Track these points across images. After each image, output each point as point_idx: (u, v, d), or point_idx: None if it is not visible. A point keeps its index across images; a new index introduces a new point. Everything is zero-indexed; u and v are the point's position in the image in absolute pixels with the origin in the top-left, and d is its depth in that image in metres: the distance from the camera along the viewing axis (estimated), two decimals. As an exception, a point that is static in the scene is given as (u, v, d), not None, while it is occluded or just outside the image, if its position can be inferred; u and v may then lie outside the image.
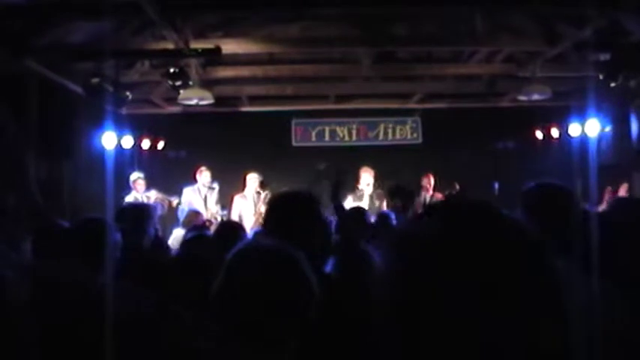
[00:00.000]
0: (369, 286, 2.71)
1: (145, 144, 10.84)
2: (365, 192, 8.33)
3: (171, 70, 7.36)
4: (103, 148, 8.95)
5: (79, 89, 7.82)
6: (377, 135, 11.66)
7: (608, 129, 10.12)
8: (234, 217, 8.47)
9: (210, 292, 1.66)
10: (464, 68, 9.25)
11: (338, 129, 11.62)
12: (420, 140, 11.58)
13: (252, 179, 8.95)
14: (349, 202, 8.17)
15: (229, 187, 9.20)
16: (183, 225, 6.34)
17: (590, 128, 9.52)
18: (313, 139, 11.55)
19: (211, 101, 8.44)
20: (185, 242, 3.85)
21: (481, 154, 10.90)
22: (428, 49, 9.29)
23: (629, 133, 9.68)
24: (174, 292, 2.65)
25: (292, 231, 2.32)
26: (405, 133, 11.66)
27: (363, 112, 11.45)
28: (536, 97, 8.64)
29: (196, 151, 10.60)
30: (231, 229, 4.24)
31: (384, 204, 8.00)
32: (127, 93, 7.90)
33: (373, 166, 8.63)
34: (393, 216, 5.50)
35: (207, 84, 8.79)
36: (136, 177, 9.04)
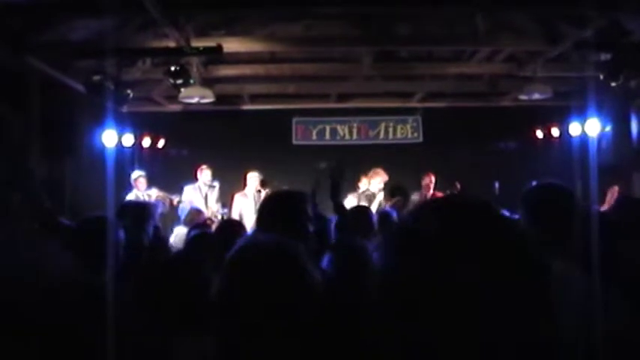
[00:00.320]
0: (365, 283, 2.73)
1: (146, 142, 10.85)
2: (377, 195, 8.23)
3: (173, 69, 7.36)
4: (103, 146, 8.96)
5: (80, 87, 7.83)
6: (378, 134, 11.66)
7: (608, 129, 10.12)
8: (235, 216, 8.48)
9: (208, 290, 1.66)
10: (465, 67, 9.25)
11: (339, 128, 11.63)
12: (420, 139, 11.57)
13: (253, 178, 8.96)
14: (350, 201, 8.18)
15: (230, 186, 9.20)
16: (185, 223, 6.36)
17: (590, 128, 9.53)
18: (314, 137, 11.56)
19: (212, 99, 8.45)
20: (189, 240, 3.87)
21: (482, 153, 10.91)
22: (429, 48, 9.30)
23: (630, 132, 9.68)
24: (174, 291, 2.66)
25: (280, 227, 2.38)
26: (406, 132, 11.66)
27: (364, 111, 11.45)
28: (536, 96, 8.64)
29: (197, 149, 10.61)
30: (231, 227, 4.25)
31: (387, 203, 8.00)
32: (129, 91, 7.90)
33: (373, 167, 8.60)
34: (394, 214, 5.51)
35: (208, 82, 8.80)
36: (137, 175, 9.06)
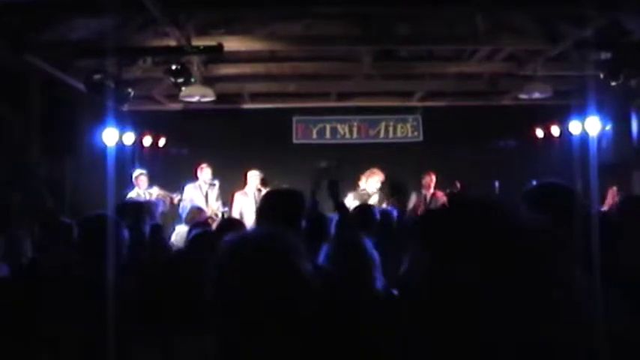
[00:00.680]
0: (364, 278, 2.74)
1: (147, 141, 10.86)
2: (376, 195, 8.20)
3: (173, 67, 7.36)
4: (104, 145, 8.97)
5: (81, 86, 7.83)
6: (378, 133, 11.67)
7: (608, 128, 10.13)
8: (235, 215, 8.49)
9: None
10: (465, 67, 9.25)
11: (339, 127, 11.63)
12: (420, 138, 11.57)
13: (253, 176, 8.97)
14: (350, 201, 8.18)
15: (230, 185, 9.21)
16: (186, 222, 6.36)
17: (590, 127, 9.54)
18: (314, 136, 11.56)
19: (213, 98, 8.45)
20: (191, 239, 3.87)
21: (482, 152, 10.91)
22: (429, 47, 9.30)
23: (630, 131, 9.69)
24: (175, 289, 2.67)
25: (279, 224, 2.43)
26: (406, 131, 11.66)
27: (364, 109, 11.45)
28: (537, 95, 8.64)
29: (198, 148, 10.62)
30: (232, 226, 4.26)
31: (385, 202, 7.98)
32: (129, 90, 7.89)
33: (378, 166, 8.59)
34: (394, 213, 5.51)
35: (209, 81, 8.80)
36: (139, 173, 9.07)
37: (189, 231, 4.62)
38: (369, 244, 2.87)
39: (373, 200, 7.89)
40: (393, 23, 8.32)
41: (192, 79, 7.70)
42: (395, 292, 2.84)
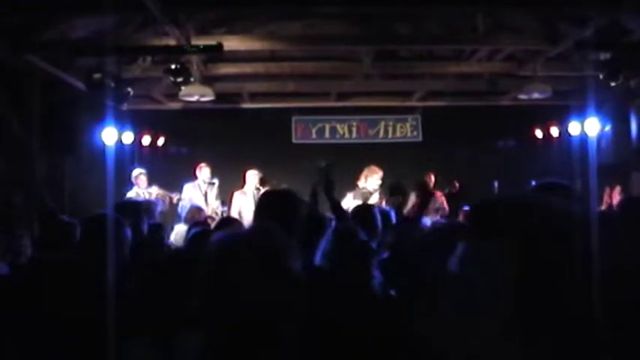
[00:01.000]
0: (364, 275, 2.74)
1: (146, 140, 10.86)
2: (377, 194, 8.16)
3: (173, 66, 7.36)
4: (103, 144, 8.97)
5: (80, 85, 7.82)
6: (377, 133, 11.67)
7: (608, 128, 10.14)
8: (234, 214, 8.49)
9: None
10: (465, 66, 9.25)
11: (338, 126, 11.63)
12: (420, 138, 11.58)
13: (252, 176, 8.98)
14: (350, 200, 8.17)
15: (229, 184, 9.22)
16: (186, 221, 6.36)
17: (590, 127, 9.54)
18: (313, 136, 11.56)
19: (212, 98, 8.46)
20: (190, 238, 3.87)
21: (481, 152, 10.92)
22: (429, 47, 9.30)
23: (629, 132, 9.70)
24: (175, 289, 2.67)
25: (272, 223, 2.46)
26: (406, 130, 11.67)
27: (364, 109, 11.45)
28: (536, 95, 8.64)
29: (197, 147, 10.63)
30: (228, 225, 4.26)
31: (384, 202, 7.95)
32: (129, 89, 7.89)
33: (376, 164, 8.58)
34: (392, 213, 5.49)
35: (208, 80, 8.80)
36: (138, 173, 9.07)
37: (189, 230, 4.62)
38: (366, 241, 2.87)
39: (375, 199, 7.85)
40: (393, 23, 8.32)
41: (192, 79, 7.69)
42: (393, 292, 2.84)
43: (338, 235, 2.83)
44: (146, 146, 10.88)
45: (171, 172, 9.88)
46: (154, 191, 8.81)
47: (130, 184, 8.95)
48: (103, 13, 6.09)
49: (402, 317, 2.37)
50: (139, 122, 10.63)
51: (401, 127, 11.67)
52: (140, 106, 10.28)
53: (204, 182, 8.98)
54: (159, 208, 7.17)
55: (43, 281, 2.84)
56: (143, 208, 5.00)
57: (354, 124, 11.65)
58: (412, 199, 8.96)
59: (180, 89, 7.85)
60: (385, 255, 3.58)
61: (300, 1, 6.71)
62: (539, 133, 11.11)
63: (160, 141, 11.04)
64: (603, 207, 6.77)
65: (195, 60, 7.93)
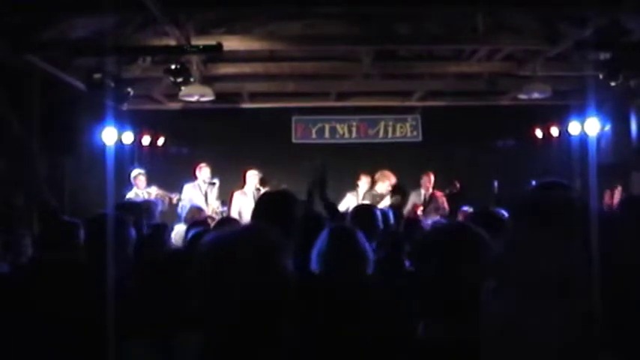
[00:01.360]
0: (361, 273, 2.74)
1: (146, 140, 10.85)
2: (387, 198, 8.10)
3: (173, 67, 7.36)
4: (103, 144, 8.97)
5: (80, 85, 7.83)
6: (377, 132, 11.67)
7: (607, 128, 10.14)
8: (234, 214, 8.49)
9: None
10: (464, 66, 9.25)
11: (338, 126, 11.63)
12: (420, 138, 11.58)
13: (252, 176, 8.98)
14: (349, 200, 8.18)
15: (229, 184, 9.21)
16: (186, 221, 6.36)
17: (589, 127, 9.55)
18: (313, 136, 11.56)
19: (212, 98, 8.46)
20: (191, 238, 3.87)
21: (481, 152, 10.92)
22: (429, 47, 9.30)
23: (629, 132, 9.70)
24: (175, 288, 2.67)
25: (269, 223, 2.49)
26: (405, 130, 11.67)
27: (364, 109, 11.46)
28: (536, 95, 8.64)
29: (197, 147, 10.63)
30: (228, 225, 4.26)
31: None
32: (129, 89, 7.89)
33: (372, 166, 8.57)
34: (390, 214, 5.49)
35: (208, 80, 8.81)
36: (137, 173, 9.07)
37: (188, 230, 4.62)
38: (360, 239, 2.86)
39: (384, 204, 7.74)
40: (393, 23, 8.32)
41: (192, 79, 7.69)
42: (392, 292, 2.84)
43: (332, 235, 2.83)
44: (146, 146, 10.88)
45: (171, 173, 9.88)
46: (153, 191, 8.80)
47: (129, 185, 8.95)
48: (103, 13, 6.09)
49: (401, 317, 2.37)
50: (139, 122, 10.63)
51: (401, 127, 11.67)
52: (140, 106, 10.28)
53: (205, 182, 8.97)
54: (158, 209, 7.17)
55: (44, 281, 2.84)
56: (143, 208, 5.00)
57: (354, 124, 11.65)
58: (412, 199, 9.00)
59: (180, 89, 7.85)
60: (384, 255, 3.59)
61: (300, 1, 6.71)
62: (539, 133, 11.11)
63: (160, 141, 11.04)
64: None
65: (195, 60, 7.93)
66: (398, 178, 8.37)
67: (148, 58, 8.77)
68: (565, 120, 10.54)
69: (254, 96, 10.93)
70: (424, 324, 1.79)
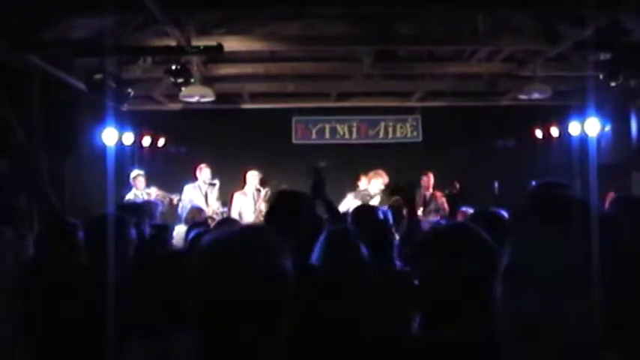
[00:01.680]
0: (360, 274, 2.74)
1: (146, 141, 10.86)
2: (377, 197, 8.10)
3: (173, 67, 7.36)
4: (104, 145, 8.97)
5: (81, 85, 7.83)
6: (377, 133, 11.68)
7: (607, 128, 10.14)
8: (234, 215, 8.50)
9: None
10: (465, 67, 9.26)
11: (338, 127, 11.64)
12: (420, 138, 11.58)
13: (253, 176, 8.98)
14: (349, 201, 8.17)
15: (229, 185, 9.22)
16: (186, 222, 6.36)
17: (590, 127, 9.55)
18: (314, 136, 11.57)
19: (212, 98, 8.46)
20: (191, 239, 3.88)
21: (481, 152, 10.93)
22: (429, 47, 9.30)
23: (629, 132, 9.70)
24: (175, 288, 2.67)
25: (283, 223, 2.59)
26: (406, 131, 11.67)
27: (364, 110, 11.46)
28: (536, 95, 8.64)
29: (197, 148, 10.63)
30: (228, 225, 4.25)
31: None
32: (129, 89, 7.89)
33: (372, 166, 8.56)
34: (389, 214, 5.48)
35: (208, 81, 8.81)
36: (136, 174, 9.07)
37: (188, 231, 4.63)
38: (359, 241, 2.86)
39: (375, 202, 7.81)
40: (393, 23, 8.32)
41: (192, 79, 7.70)
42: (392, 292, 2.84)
43: (332, 237, 2.83)
44: (146, 147, 10.88)
45: (172, 173, 9.88)
46: (153, 192, 8.80)
47: (129, 186, 8.95)
48: (103, 13, 6.09)
49: (399, 317, 2.38)
50: (140, 123, 10.63)
51: (401, 128, 11.68)
52: (140, 106, 10.28)
53: (205, 183, 8.97)
54: (158, 210, 7.17)
55: (44, 281, 2.84)
56: (143, 209, 5.00)
57: (354, 124, 11.65)
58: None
59: (180, 90, 7.86)
60: (382, 255, 3.58)
61: (300, 1, 6.72)
62: (539, 133, 11.12)
63: (161, 142, 11.05)
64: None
65: (195, 60, 7.94)
66: (398, 179, 8.37)
67: (149, 59, 8.78)
68: (565, 120, 10.55)
69: (254, 96, 10.94)
70: (422, 324, 1.79)
